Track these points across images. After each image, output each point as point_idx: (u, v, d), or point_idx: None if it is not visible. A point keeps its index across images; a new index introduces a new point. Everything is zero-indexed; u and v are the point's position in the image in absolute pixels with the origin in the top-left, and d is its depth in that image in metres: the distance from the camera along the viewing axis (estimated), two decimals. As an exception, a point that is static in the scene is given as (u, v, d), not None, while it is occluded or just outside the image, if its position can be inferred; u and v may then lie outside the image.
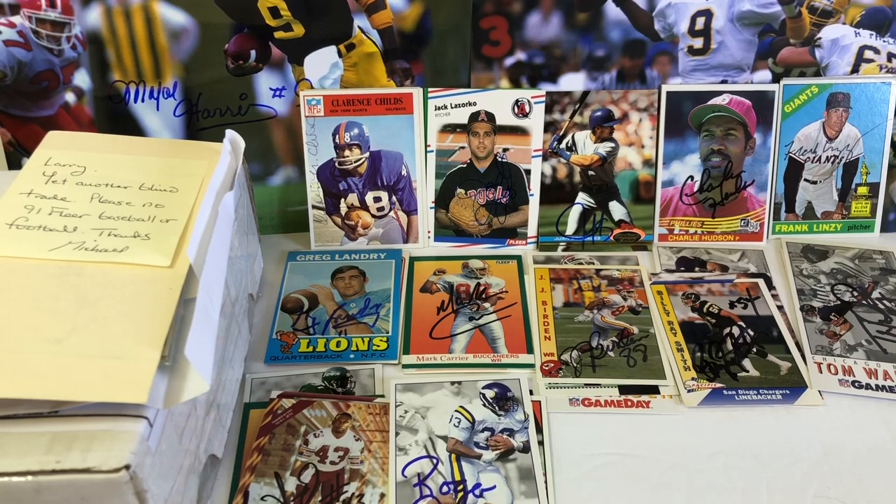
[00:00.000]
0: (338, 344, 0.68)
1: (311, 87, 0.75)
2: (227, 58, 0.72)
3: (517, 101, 0.76)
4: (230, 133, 0.62)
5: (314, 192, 0.77)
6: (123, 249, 0.52)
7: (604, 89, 0.77)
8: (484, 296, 0.73)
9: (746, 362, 0.66)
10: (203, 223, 0.51)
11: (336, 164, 0.76)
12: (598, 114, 0.77)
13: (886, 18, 0.76)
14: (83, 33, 0.70)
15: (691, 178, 0.79)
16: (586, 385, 0.64)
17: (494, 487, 0.56)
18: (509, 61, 0.76)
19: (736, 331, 0.69)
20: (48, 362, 0.44)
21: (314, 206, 0.78)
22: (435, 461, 0.58)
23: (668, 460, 0.59)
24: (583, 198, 0.79)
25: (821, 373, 0.65)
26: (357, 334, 0.69)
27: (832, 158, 0.79)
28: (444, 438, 0.59)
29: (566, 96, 0.77)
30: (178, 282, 0.50)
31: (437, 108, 0.76)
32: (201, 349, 0.46)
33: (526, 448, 0.59)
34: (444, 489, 0.56)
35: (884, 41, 0.77)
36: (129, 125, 0.73)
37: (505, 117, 0.76)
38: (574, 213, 0.79)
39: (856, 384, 0.64)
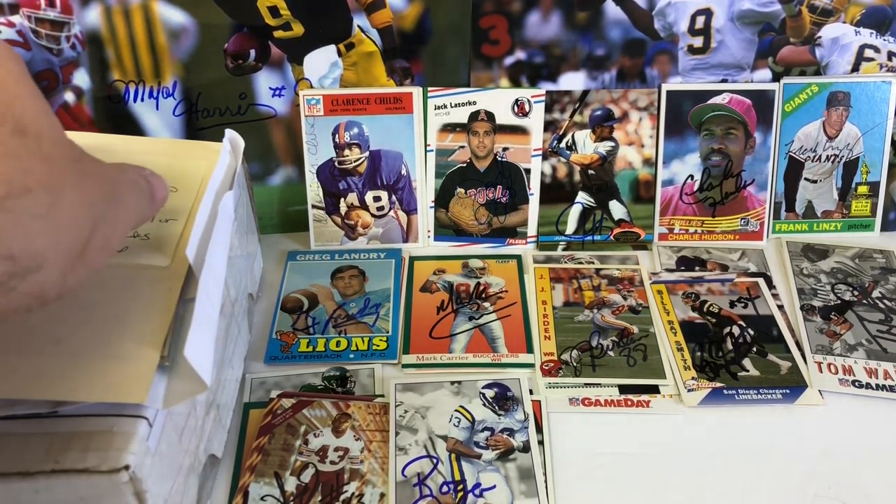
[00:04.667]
0: (338, 344, 0.68)
1: (311, 87, 0.75)
2: (227, 57, 0.72)
3: (517, 100, 0.76)
4: (230, 133, 0.62)
5: (314, 191, 0.77)
6: (122, 250, 0.52)
7: (604, 88, 0.77)
8: (484, 295, 0.73)
9: (746, 362, 0.66)
10: (202, 223, 0.51)
11: (336, 163, 0.76)
12: (598, 113, 0.77)
13: (886, 17, 0.76)
14: (82, 33, 0.70)
15: (691, 177, 0.79)
16: (586, 385, 0.64)
17: (494, 487, 0.56)
18: (509, 60, 0.76)
19: (736, 330, 0.69)
20: (47, 362, 0.44)
21: (314, 206, 0.78)
22: (435, 461, 0.58)
23: (668, 460, 0.59)
24: (583, 197, 0.79)
25: (821, 372, 0.65)
26: (357, 334, 0.69)
27: (832, 157, 0.79)
28: (444, 438, 0.59)
29: (566, 95, 0.77)
30: (177, 282, 0.50)
31: (437, 108, 0.76)
32: (201, 350, 0.46)
33: (526, 448, 0.58)
34: (444, 489, 0.56)
35: (884, 40, 0.77)
36: (128, 125, 0.73)
37: (505, 116, 0.76)
38: (574, 213, 0.79)
39: (856, 384, 0.64)
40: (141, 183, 0.43)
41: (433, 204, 0.79)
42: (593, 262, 0.78)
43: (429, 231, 0.80)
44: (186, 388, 0.46)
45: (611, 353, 0.67)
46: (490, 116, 0.76)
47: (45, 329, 0.45)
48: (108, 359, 0.44)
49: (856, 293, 0.73)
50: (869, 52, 0.77)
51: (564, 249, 0.80)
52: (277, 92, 0.75)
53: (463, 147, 0.77)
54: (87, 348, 0.45)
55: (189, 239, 0.50)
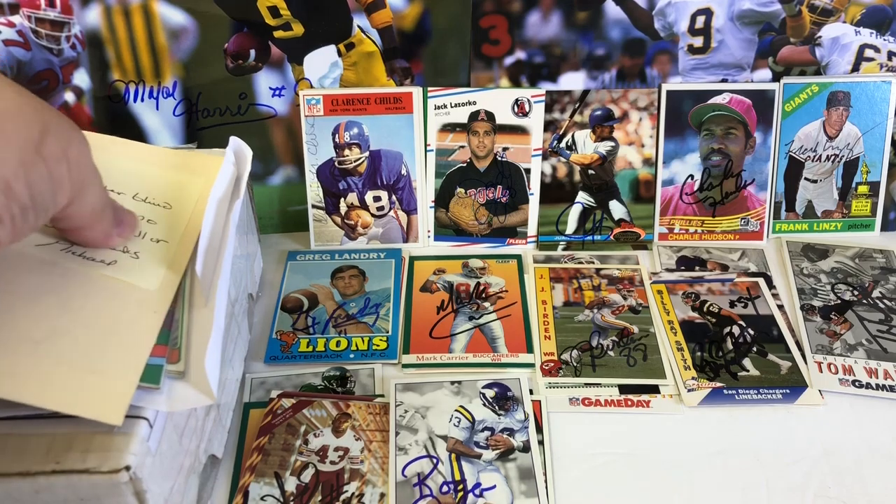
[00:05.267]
0: (338, 343, 0.68)
1: (311, 87, 0.75)
2: (227, 57, 0.72)
3: (517, 100, 0.76)
4: (234, 142, 0.59)
5: (314, 191, 0.77)
6: (112, 263, 0.50)
7: (604, 88, 0.77)
8: (484, 295, 0.73)
9: (746, 361, 0.66)
10: (206, 237, 0.50)
11: (336, 163, 0.76)
12: (598, 113, 0.77)
13: (886, 17, 0.76)
14: (82, 33, 0.70)
15: (691, 177, 0.79)
16: (586, 385, 0.64)
17: (494, 487, 0.56)
18: (509, 60, 0.76)
19: (736, 330, 0.69)
20: (23, 362, 0.42)
21: (314, 206, 0.78)
22: (435, 461, 0.58)
23: (668, 460, 0.59)
24: (583, 197, 0.79)
25: (821, 372, 0.65)
26: (357, 334, 0.69)
27: (832, 157, 0.79)
28: (444, 438, 0.59)
29: (566, 95, 0.77)
30: (163, 305, 0.48)
31: (437, 108, 0.76)
32: (214, 363, 0.46)
33: (526, 448, 0.59)
34: (444, 489, 0.56)
35: (884, 40, 0.77)
36: (128, 125, 0.73)
37: (505, 116, 0.76)
38: (574, 213, 0.79)
39: (856, 383, 0.64)
40: (108, 197, 0.46)
41: (433, 204, 0.79)
42: (593, 262, 0.78)
43: (429, 231, 0.80)
44: (194, 397, 0.46)
45: (611, 352, 0.67)
46: (490, 116, 0.76)
47: (20, 325, 0.44)
48: (86, 371, 0.43)
49: (856, 293, 0.73)
50: (869, 52, 0.77)
51: (564, 249, 0.80)
52: (277, 92, 0.75)
53: (463, 147, 0.77)
54: (65, 355, 0.43)
55: (178, 262, 0.50)
